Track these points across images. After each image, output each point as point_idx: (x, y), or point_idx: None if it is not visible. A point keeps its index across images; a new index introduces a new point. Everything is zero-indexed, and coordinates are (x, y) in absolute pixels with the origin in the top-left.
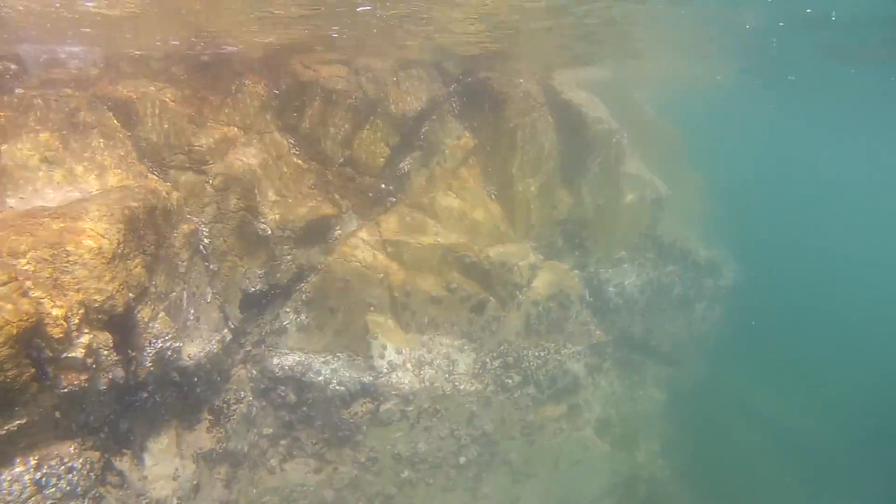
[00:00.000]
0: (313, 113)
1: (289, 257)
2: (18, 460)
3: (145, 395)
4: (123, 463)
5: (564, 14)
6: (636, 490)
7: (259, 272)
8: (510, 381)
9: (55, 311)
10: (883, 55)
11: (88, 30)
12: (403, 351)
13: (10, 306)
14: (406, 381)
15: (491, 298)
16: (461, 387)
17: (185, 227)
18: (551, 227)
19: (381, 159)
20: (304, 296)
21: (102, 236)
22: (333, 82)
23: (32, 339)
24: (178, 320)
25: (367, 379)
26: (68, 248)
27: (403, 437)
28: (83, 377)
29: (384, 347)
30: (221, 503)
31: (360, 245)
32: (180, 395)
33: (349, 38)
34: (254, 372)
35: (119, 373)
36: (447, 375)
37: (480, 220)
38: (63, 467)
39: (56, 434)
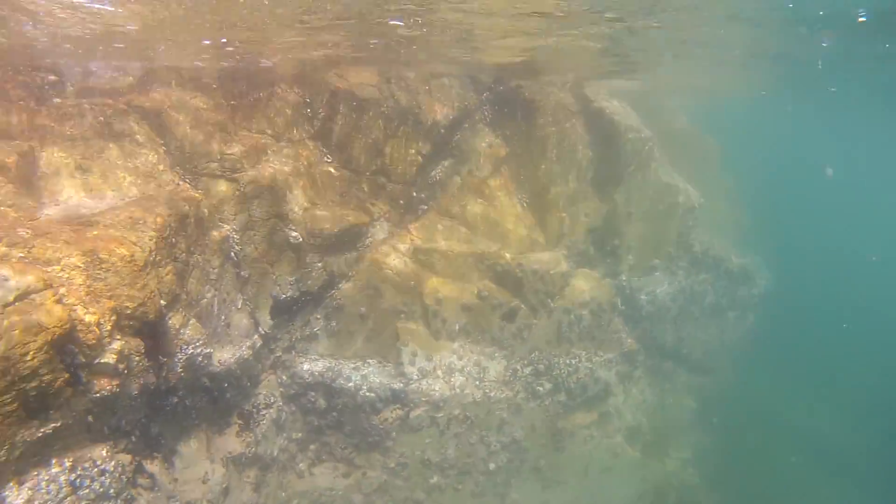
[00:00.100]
0: (345, 121)
1: (320, 264)
2: (54, 461)
3: (176, 399)
4: (154, 466)
5: (611, 39)
6: (666, 498)
7: (290, 279)
8: (541, 389)
9: (88, 318)
10: None
11: (121, 45)
12: (434, 358)
13: (45, 313)
14: (436, 388)
15: (522, 306)
16: (491, 394)
17: (216, 235)
18: (583, 234)
19: (413, 167)
20: (334, 302)
21: (135, 244)
22: (365, 91)
23: (66, 345)
24: (209, 326)
25: (397, 385)
26: (101, 256)
27: (433, 444)
28: (115, 382)
29: (415, 354)
30: None
31: (392, 253)
32: (210, 400)
33: (383, 52)
34: (284, 377)
35: (150, 378)
36: (478, 382)
37: (512, 228)
38: (96, 469)
39: (89, 437)
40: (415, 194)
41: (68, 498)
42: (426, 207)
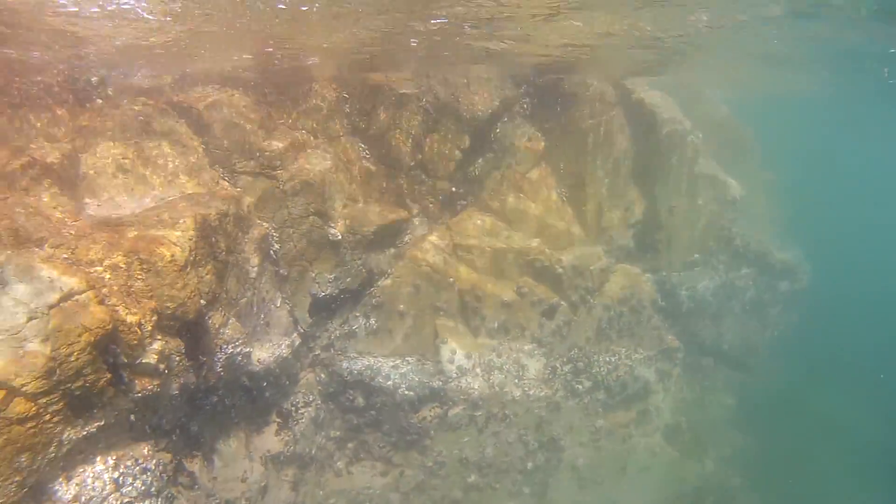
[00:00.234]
0: (383, 116)
1: (359, 262)
2: (99, 459)
3: (215, 398)
4: (194, 464)
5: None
6: (705, 499)
7: (329, 276)
8: (580, 387)
9: (130, 318)
10: None
11: (161, 51)
12: (473, 355)
13: (88, 314)
14: (475, 386)
15: (562, 302)
16: (530, 392)
17: (255, 233)
18: (623, 229)
19: (452, 162)
20: (373, 300)
21: (175, 244)
22: (403, 85)
23: (109, 346)
24: (249, 325)
25: (436, 384)
26: (142, 256)
27: (471, 442)
28: (156, 382)
29: (454, 352)
30: None
31: (431, 249)
32: (249, 399)
33: (426, 50)
34: (322, 376)
35: (190, 378)
36: (517, 380)
37: (552, 223)
38: (138, 468)
39: (131, 436)
40: (454, 189)
41: (112, 495)
42: (465, 203)
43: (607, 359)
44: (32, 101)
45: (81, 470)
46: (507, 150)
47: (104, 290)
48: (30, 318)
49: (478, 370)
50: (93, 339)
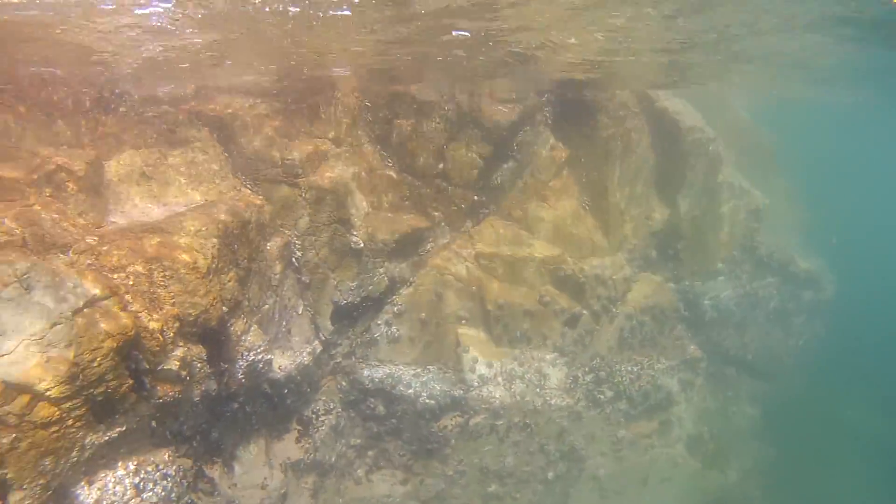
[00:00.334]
0: (405, 125)
1: (381, 269)
2: (120, 464)
3: (236, 405)
4: (214, 471)
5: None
6: None
7: (351, 284)
8: (602, 397)
9: (152, 325)
10: None
11: (186, 65)
12: (494, 364)
13: (111, 320)
14: (497, 395)
15: (584, 312)
16: (552, 401)
17: (277, 240)
18: (646, 238)
19: (474, 171)
20: (395, 308)
21: (197, 251)
22: (425, 93)
23: (131, 352)
24: (270, 332)
25: (457, 392)
26: (165, 263)
27: (492, 451)
28: (177, 388)
29: (475, 361)
30: None
31: (453, 257)
32: (270, 406)
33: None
34: (343, 383)
35: (212, 384)
36: (538, 390)
37: (574, 232)
38: (158, 473)
39: (152, 441)
40: (476, 198)
41: (133, 500)
42: (487, 211)
43: (629, 368)
44: (57, 110)
45: (103, 474)
46: (530, 159)
47: (127, 297)
48: (54, 324)
49: (499, 379)
50: (115, 345)
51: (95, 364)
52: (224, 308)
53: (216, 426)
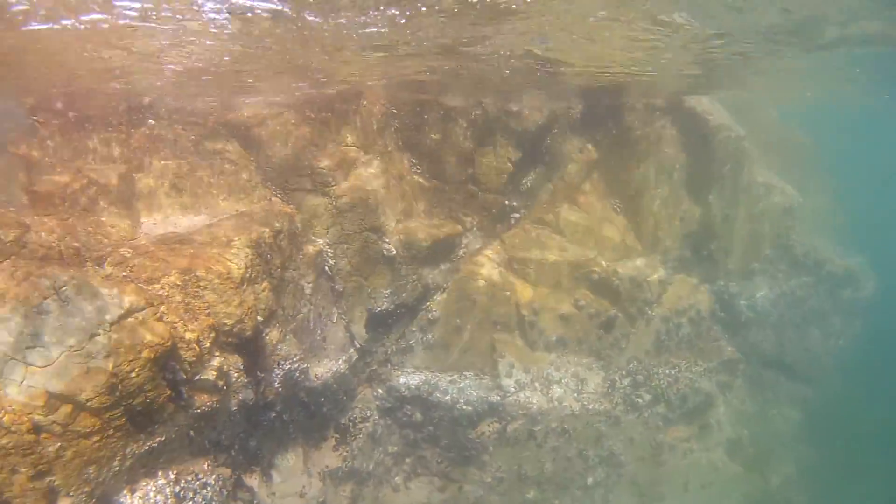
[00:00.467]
0: (433, 131)
1: (414, 276)
2: (160, 473)
3: (273, 414)
4: (253, 480)
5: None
6: None
7: (385, 292)
8: (640, 401)
9: (188, 335)
10: None
11: (209, 77)
12: (531, 370)
13: (147, 330)
14: (534, 401)
15: (619, 315)
16: (590, 406)
17: (309, 249)
18: (679, 239)
19: (504, 175)
20: (430, 315)
21: (231, 262)
22: (453, 100)
23: (168, 362)
24: (306, 341)
25: (494, 398)
26: (199, 274)
27: (530, 457)
28: (215, 398)
29: (512, 366)
30: None
31: (486, 263)
32: (307, 415)
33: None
34: (379, 391)
35: (248, 394)
36: (576, 394)
37: (606, 235)
38: (198, 483)
39: (191, 451)
40: (506, 203)
41: None
42: (518, 216)
43: (667, 371)
44: (90, 125)
45: (144, 483)
46: (559, 162)
47: (162, 308)
48: (92, 336)
49: (536, 384)
50: (153, 355)
51: (133, 374)
52: (259, 317)
53: (254, 435)
